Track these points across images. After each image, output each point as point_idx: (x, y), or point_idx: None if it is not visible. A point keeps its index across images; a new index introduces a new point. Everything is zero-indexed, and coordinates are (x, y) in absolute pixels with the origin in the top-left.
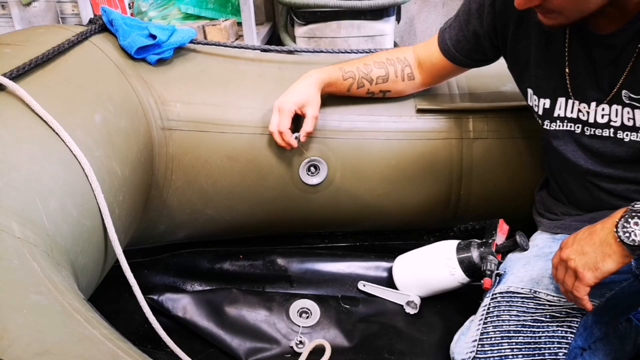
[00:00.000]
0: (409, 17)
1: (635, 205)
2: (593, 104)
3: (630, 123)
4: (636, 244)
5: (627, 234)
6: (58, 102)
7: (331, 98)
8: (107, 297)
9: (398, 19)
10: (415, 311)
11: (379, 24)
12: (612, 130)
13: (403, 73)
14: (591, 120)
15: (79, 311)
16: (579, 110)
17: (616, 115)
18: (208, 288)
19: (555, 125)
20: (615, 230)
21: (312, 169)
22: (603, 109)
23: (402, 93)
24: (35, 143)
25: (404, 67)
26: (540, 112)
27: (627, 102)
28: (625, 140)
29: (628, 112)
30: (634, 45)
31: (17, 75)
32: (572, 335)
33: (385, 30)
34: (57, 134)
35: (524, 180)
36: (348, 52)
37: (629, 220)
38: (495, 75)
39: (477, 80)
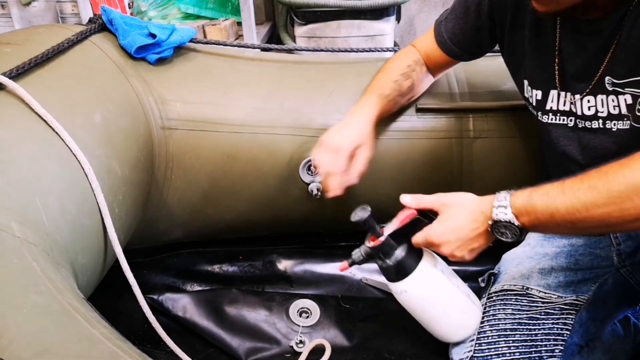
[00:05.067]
0: (409, 17)
1: (498, 215)
2: (578, 96)
3: (616, 111)
4: (510, 240)
5: (500, 235)
6: (58, 101)
7: (330, 96)
8: (107, 297)
9: (398, 19)
10: None
11: (379, 24)
12: (600, 121)
13: (421, 74)
14: (579, 112)
15: (79, 311)
16: (571, 103)
17: (602, 106)
18: (208, 288)
19: (548, 118)
20: (490, 230)
21: (312, 168)
22: (589, 101)
23: (421, 93)
24: (34, 142)
25: (421, 67)
26: (534, 104)
27: (611, 89)
28: (613, 129)
29: (613, 100)
30: (618, 30)
31: (17, 74)
32: (568, 332)
33: (385, 30)
34: (56, 133)
35: (524, 180)
36: (348, 51)
37: (501, 230)
38: (496, 74)
39: (477, 79)
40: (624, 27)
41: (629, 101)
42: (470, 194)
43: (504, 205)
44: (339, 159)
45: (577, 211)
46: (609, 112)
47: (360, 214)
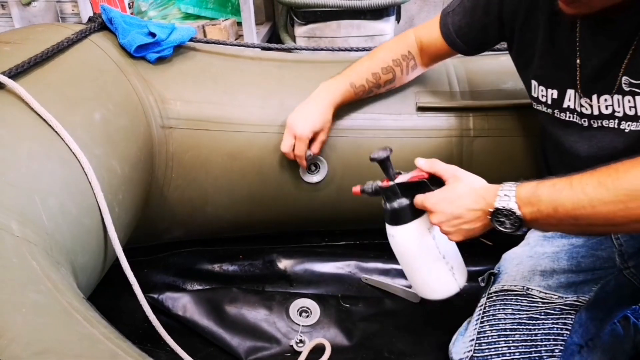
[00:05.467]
0: (409, 17)
1: (501, 203)
2: (594, 96)
3: (632, 112)
4: (508, 231)
5: (499, 224)
6: (57, 100)
7: None
8: (107, 296)
9: (398, 19)
10: (418, 300)
11: (379, 24)
12: (616, 121)
13: (408, 67)
14: (596, 112)
15: (79, 310)
16: (588, 103)
17: (619, 106)
18: (208, 287)
19: (565, 116)
20: (490, 218)
21: (313, 167)
22: (606, 100)
23: (405, 82)
24: (34, 141)
25: (408, 62)
26: (550, 102)
27: (628, 89)
28: (626, 130)
29: (629, 101)
30: (638, 30)
31: (16, 73)
32: (568, 332)
33: (385, 30)
34: (56, 132)
35: (525, 178)
36: (347, 50)
37: (500, 219)
38: (496, 73)
39: (478, 77)
40: None
41: None
42: (482, 179)
43: (509, 194)
44: (300, 144)
45: (583, 207)
46: (624, 112)
47: (380, 153)
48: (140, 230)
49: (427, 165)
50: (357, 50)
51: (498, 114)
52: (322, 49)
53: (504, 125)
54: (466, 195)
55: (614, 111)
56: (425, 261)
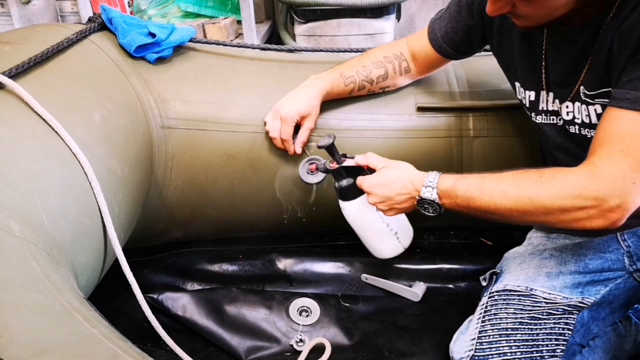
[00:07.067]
0: (409, 15)
1: (425, 194)
2: (557, 101)
3: (587, 120)
4: (430, 214)
5: (424, 210)
6: (57, 100)
7: None
8: (107, 296)
9: (398, 17)
10: (418, 299)
11: (379, 22)
12: (576, 127)
13: (400, 68)
14: (565, 116)
15: (79, 310)
16: (558, 105)
17: (578, 113)
18: (208, 287)
19: (542, 118)
20: (416, 203)
21: (312, 167)
22: (567, 107)
23: (400, 85)
24: (34, 142)
25: (400, 62)
26: (528, 105)
27: (584, 99)
28: (588, 137)
29: (585, 110)
30: (593, 42)
31: (16, 73)
32: (570, 332)
33: (385, 28)
34: (56, 132)
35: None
36: (348, 51)
37: (424, 205)
38: (495, 73)
39: (477, 78)
40: (597, 40)
41: (599, 110)
42: (410, 165)
43: (432, 185)
44: (285, 127)
45: (488, 208)
46: (582, 120)
47: (326, 140)
48: (139, 230)
49: (363, 160)
50: (357, 51)
51: (498, 114)
52: (321, 50)
53: (504, 125)
54: (396, 181)
55: (574, 117)
56: (372, 229)
